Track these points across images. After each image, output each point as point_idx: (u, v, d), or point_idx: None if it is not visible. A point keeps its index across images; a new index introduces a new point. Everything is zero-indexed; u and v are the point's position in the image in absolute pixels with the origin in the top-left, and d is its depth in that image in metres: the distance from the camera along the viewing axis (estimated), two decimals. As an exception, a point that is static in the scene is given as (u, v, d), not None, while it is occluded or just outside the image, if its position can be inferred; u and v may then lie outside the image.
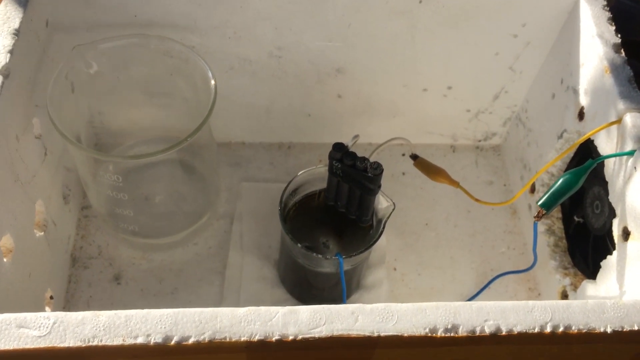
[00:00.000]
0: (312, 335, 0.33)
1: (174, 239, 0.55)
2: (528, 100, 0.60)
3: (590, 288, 0.47)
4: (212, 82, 0.47)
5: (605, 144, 0.46)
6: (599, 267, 0.46)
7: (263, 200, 0.59)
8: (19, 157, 0.43)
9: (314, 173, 0.50)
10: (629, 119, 0.43)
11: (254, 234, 0.57)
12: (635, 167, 0.41)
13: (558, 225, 0.56)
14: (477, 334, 0.33)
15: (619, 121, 0.44)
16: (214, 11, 0.49)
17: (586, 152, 0.52)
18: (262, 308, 0.33)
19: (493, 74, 0.58)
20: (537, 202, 0.44)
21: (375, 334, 0.33)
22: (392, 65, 0.55)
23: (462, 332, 0.33)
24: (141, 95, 0.54)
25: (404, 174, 0.63)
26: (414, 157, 0.54)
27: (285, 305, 0.53)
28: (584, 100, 0.49)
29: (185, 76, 0.51)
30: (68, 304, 0.53)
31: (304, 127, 0.62)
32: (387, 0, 0.50)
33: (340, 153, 0.47)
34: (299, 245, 0.46)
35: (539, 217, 0.44)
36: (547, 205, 0.44)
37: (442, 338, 0.33)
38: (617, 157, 0.44)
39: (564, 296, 0.52)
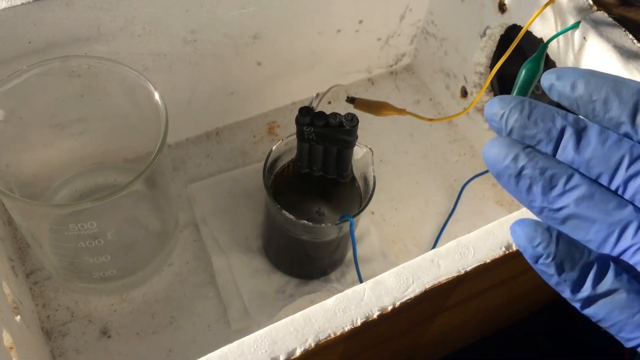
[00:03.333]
0: (408, 297, 0.31)
1: (149, 269, 0.50)
2: (432, 12, 0.61)
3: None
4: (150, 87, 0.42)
5: (540, 28, 0.48)
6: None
7: (218, 195, 0.56)
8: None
9: (278, 149, 0.48)
10: (563, -5, 0.45)
11: (226, 231, 0.53)
12: (584, 37, 0.44)
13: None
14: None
15: (551, 1, 0.46)
16: (118, 11, 0.44)
17: (507, 42, 0.55)
18: (348, 291, 0.31)
19: (396, -4, 0.58)
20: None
21: (462, 271, 0.32)
22: (306, 15, 0.53)
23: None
24: (51, 130, 0.48)
25: (337, 121, 0.62)
26: (351, 100, 0.53)
27: (288, 288, 0.52)
28: (500, -7, 0.51)
29: (99, 92, 0.45)
30: (61, 381, 0.47)
31: (228, 108, 0.58)
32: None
33: (309, 116, 0.44)
34: (302, 222, 0.44)
35: None
36: None
37: (517, 251, 0.34)
38: (561, 36, 0.46)
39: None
